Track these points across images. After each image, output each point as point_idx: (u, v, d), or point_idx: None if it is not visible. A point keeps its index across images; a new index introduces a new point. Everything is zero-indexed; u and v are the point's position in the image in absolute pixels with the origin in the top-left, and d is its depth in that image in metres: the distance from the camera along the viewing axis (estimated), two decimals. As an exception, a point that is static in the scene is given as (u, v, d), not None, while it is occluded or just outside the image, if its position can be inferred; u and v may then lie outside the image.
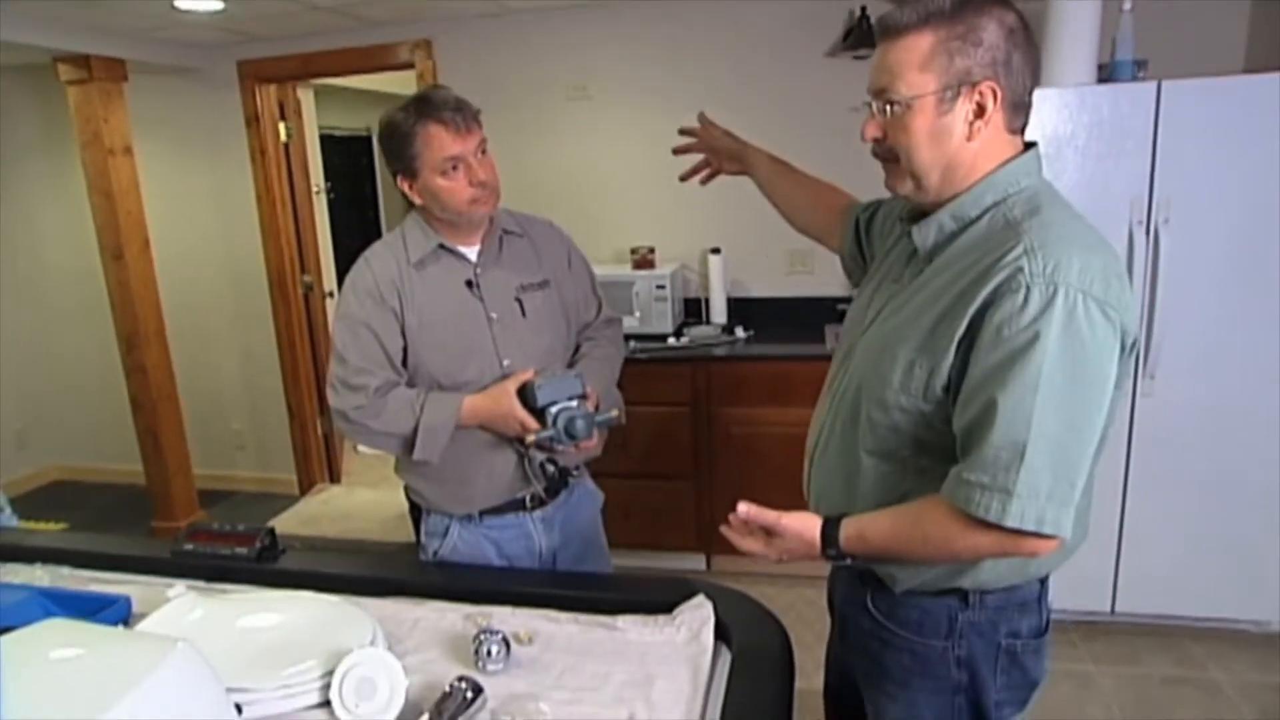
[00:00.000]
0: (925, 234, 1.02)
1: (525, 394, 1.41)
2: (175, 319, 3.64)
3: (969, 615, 1.05)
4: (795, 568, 3.10)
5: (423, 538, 1.60)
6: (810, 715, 1.37)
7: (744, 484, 2.87)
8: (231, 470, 4.13)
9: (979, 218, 0.98)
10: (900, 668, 1.10)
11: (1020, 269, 0.88)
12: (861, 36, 2.87)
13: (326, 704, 1.02)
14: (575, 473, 1.63)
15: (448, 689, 1.00)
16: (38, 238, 4.09)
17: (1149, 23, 2.45)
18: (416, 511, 1.62)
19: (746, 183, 3.48)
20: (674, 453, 2.89)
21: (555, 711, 1.01)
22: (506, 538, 1.56)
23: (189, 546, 1.47)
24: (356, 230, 5.48)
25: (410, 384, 1.49)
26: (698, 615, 1.19)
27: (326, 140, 4.50)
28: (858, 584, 1.13)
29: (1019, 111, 0.97)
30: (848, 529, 1.02)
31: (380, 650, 1.06)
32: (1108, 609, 2.51)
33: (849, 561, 1.04)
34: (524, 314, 1.52)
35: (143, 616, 1.18)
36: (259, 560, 1.43)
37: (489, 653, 1.09)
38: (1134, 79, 2.32)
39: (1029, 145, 1.01)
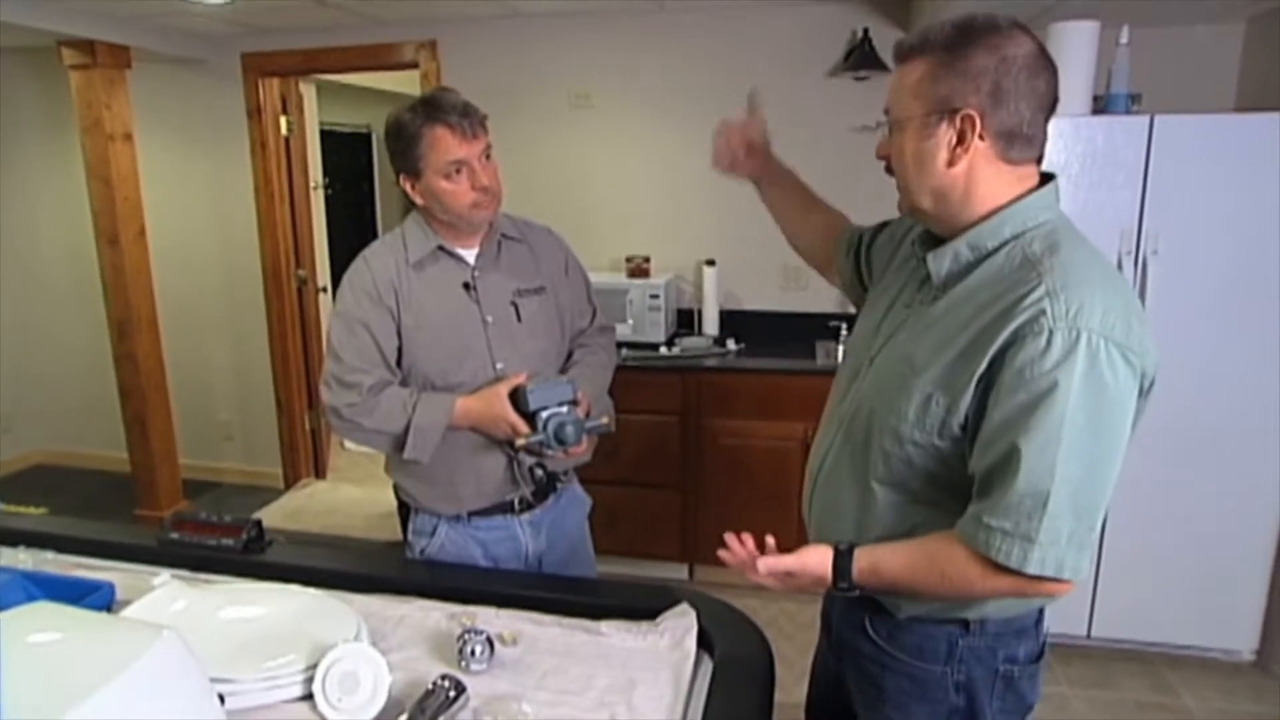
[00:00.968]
0: (941, 263, 1.01)
1: (517, 398, 1.42)
2: (168, 307, 3.63)
3: (969, 641, 1.05)
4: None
5: (410, 536, 1.60)
6: (788, 727, 1.38)
7: (730, 496, 2.89)
8: (217, 461, 4.11)
9: (996, 250, 0.98)
10: (898, 691, 1.10)
11: (1043, 311, 0.88)
12: (863, 58, 2.91)
13: (309, 697, 1.03)
14: (564, 478, 1.64)
15: (430, 687, 1.01)
16: (34, 220, 4.07)
17: (1144, 57, 2.50)
18: (405, 510, 1.63)
19: (743, 196, 3.49)
20: (662, 462, 2.90)
21: (537, 713, 1.02)
22: (493, 539, 1.57)
23: (175, 535, 1.47)
24: (352, 227, 5.48)
25: (404, 383, 1.50)
26: (681, 623, 1.20)
27: (326, 136, 4.50)
28: (856, 606, 1.13)
29: (1014, 142, 0.96)
30: (860, 561, 1.01)
31: (364, 646, 1.06)
32: (1084, 633, 2.54)
33: (858, 593, 1.03)
34: (519, 318, 1.53)
35: (126, 604, 1.19)
36: (245, 552, 1.43)
37: (473, 652, 1.10)
38: (1128, 112, 2.36)
39: (1047, 177, 1.02)
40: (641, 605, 1.25)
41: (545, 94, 3.34)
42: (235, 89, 3.62)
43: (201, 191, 3.79)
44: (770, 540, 1.09)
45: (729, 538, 1.12)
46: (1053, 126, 2.50)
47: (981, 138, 0.95)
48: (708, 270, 3.20)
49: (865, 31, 2.94)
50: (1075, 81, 2.34)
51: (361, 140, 5.72)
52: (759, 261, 3.28)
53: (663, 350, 3.00)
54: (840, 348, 2.99)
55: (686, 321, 3.34)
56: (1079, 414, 0.87)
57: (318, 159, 4.08)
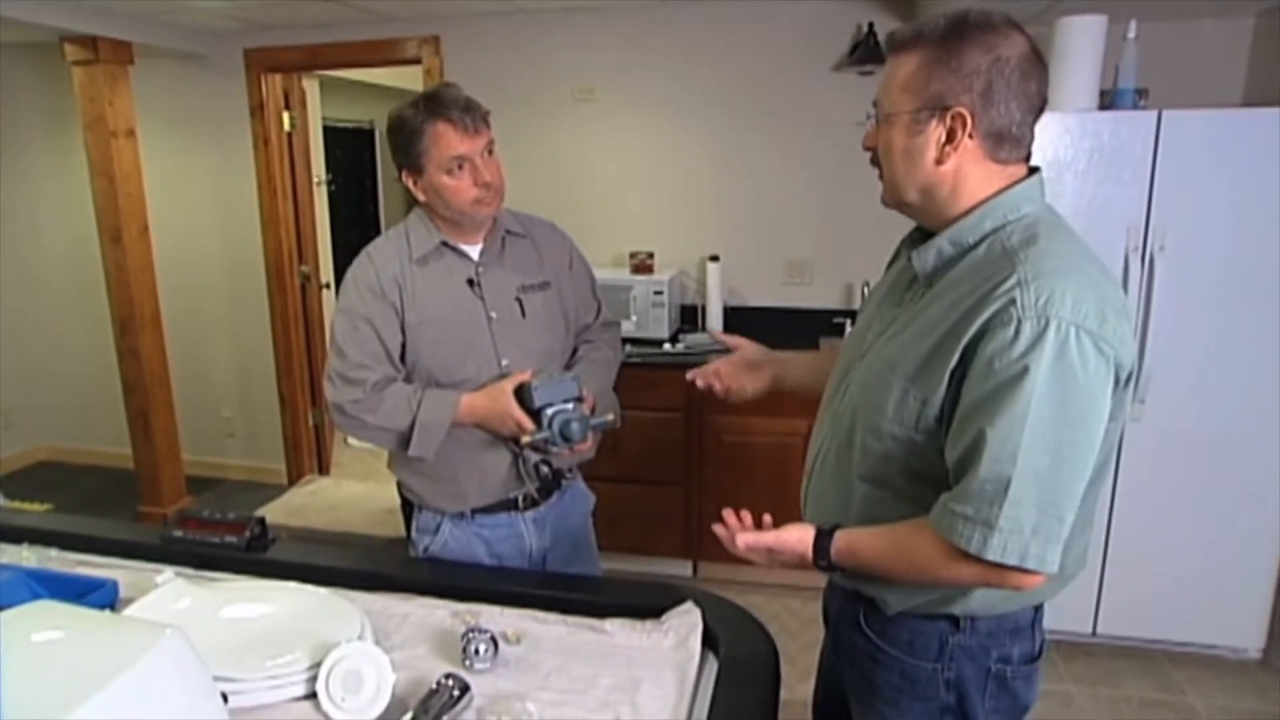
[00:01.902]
0: (925, 259, 1.02)
1: (522, 395, 1.41)
2: (171, 303, 3.62)
3: (960, 639, 1.05)
4: (783, 577, 3.10)
5: (414, 534, 1.60)
6: (793, 725, 1.38)
7: (734, 492, 2.88)
8: (220, 457, 4.11)
9: (977, 244, 0.98)
10: (890, 686, 1.10)
11: (1013, 300, 0.88)
12: (868, 52, 2.89)
13: (313, 696, 1.03)
14: (569, 475, 1.63)
15: (434, 686, 1.00)
16: (37, 216, 4.07)
17: (1152, 51, 2.48)
18: (408, 507, 1.62)
19: (747, 192, 3.49)
20: (665, 458, 2.90)
21: (541, 712, 1.01)
22: (497, 537, 1.57)
23: (179, 533, 1.47)
24: (355, 223, 5.47)
25: (408, 380, 1.50)
26: (686, 621, 1.19)
27: (329, 132, 4.50)
28: (852, 601, 1.13)
29: (1003, 142, 0.96)
30: (839, 541, 1.03)
31: (368, 644, 1.06)
32: (1089, 630, 2.53)
33: (838, 574, 1.05)
34: (524, 314, 1.52)
35: (130, 601, 1.18)
36: (248, 549, 1.43)
37: (476, 651, 1.09)
38: (1135, 107, 2.35)
39: (1033, 170, 1.01)
40: (646, 604, 1.25)
41: (548, 89, 3.32)
42: (238, 85, 3.61)
43: (204, 187, 3.79)
44: (767, 519, 1.12)
45: (727, 513, 1.14)
46: (1059, 121, 2.49)
47: (971, 136, 0.95)
48: (711, 266, 3.19)
49: (870, 26, 2.93)
50: (1082, 76, 2.32)
51: (364, 136, 5.71)
52: (762, 257, 3.27)
53: (666, 346, 2.99)
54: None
55: (690, 317, 3.33)
56: (1046, 402, 0.86)
57: (320, 154, 4.08)
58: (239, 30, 3.49)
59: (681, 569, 3.06)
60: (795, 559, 1.06)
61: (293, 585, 1.26)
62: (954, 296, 0.96)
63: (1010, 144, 0.97)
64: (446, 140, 1.38)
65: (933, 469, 0.98)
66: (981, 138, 0.95)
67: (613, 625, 1.21)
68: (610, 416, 1.47)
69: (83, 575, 1.30)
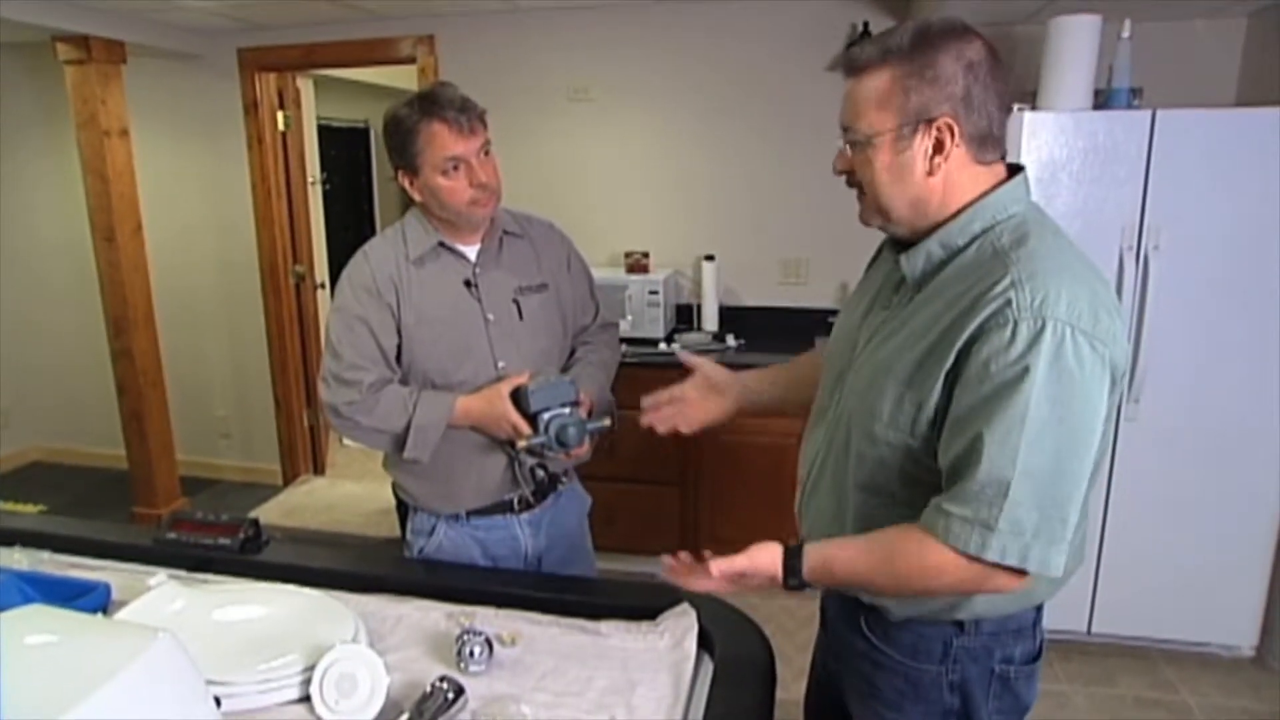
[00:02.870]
0: (914, 263, 1.01)
1: (518, 398, 1.40)
2: (165, 303, 3.61)
3: (964, 641, 1.04)
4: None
5: (409, 535, 1.60)
6: (789, 726, 1.38)
7: (730, 492, 2.89)
8: (215, 458, 4.10)
9: (967, 246, 0.97)
10: (893, 690, 1.09)
11: (1008, 302, 0.87)
12: (863, 52, 2.90)
13: (306, 699, 1.02)
14: (564, 478, 1.63)
15: (429, 689, 1.00)
16: (30, 216, 4.05)
17: (1145, 51, 2.49)
18: (403, 509, 1.62)
19: (743, 191, 3.49)
20: (661, 458, 2.89)
21: (536, 714, 1.01)
22: (493, 539, 1.56)
23: (172, 535, 1.46)
24: (351, 222, 5.46)
25: (403, 381, 1.49)
26: (681, 623, 1.19)
27: (324, 131, 4.48)
28: (852, 604, 1.12)
29: (985, 144, 0.96)
30: (811, 559, 0.99)
31: (362, 647, 1.05)
32: (1084, 629, 2.54)
33: (807, 590, 1.01)
34: (521, 316, 1.52)
35: (122, 604, 1.18)
36: (242, 551, 1.42)
37: (471, 653, 1.09)
38: (1129, 106, 2.35)
39: (1015, 170, 1.01)
40: (641, 605, 1.25)
41: (544, 88, 3.32)
42: (232, 84, 3.59)
43: (198, 187, 3.77)
44: (706, 554, 1.06)
45: (665, 558, 1.10)
46: (1054, 121, 2.49)
47: (958, 145, 0.95)
48: (707, 265, 3.19)
49: (865, 25, 2.93)
50: (1077, 76, 2.33)
51: (359, 135, 5.69)
52: (758, 256, 3.27)
53: (662, 346, 2.99)
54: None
55: (686, 317, 3.32)
56: (1044, 404, 0.86)
57: (315, 154, 4.06)
58: (233, 29, 3.47)
59: (677, 569, 3.06)
60: (766, 581, 1.01)
61: (287, 587, 1.26)
62: (946, 299, 0.95)
63: (991, 144, 0.97)
64: (442, 140, 1.38)
65: (928, 475, 0.97)
66: (966, 143, 0.95)
67: (608, 627, 1.21)
68: (607, 421, 1.46)
69: (75, 578, 1.30)
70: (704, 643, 1.17)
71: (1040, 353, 0.86)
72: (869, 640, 1.11)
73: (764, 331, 3.18)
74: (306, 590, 1.24)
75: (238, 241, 3.77)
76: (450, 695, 0.99)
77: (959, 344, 0.91)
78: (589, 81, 3.28)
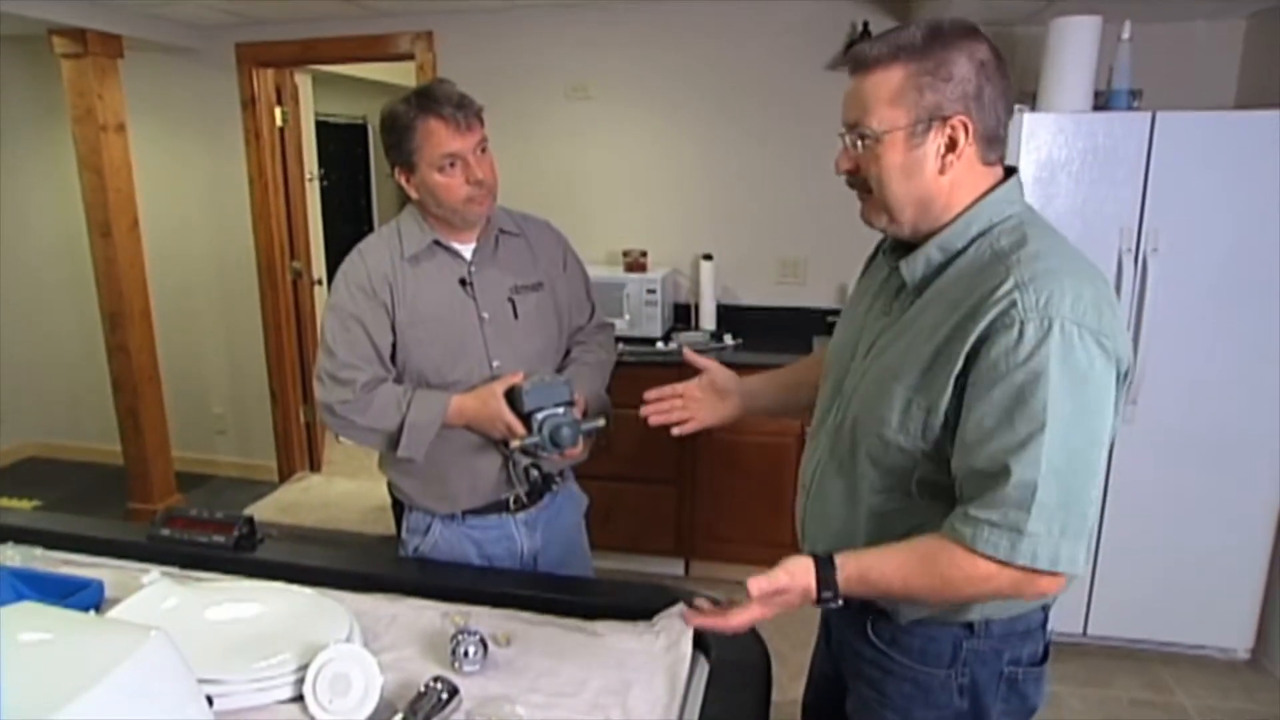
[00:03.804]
0: (914, 268, 1.01)
1: (513, 398, 1.40)
2: (161, 299, 3.60)
3: (974, 644, 1.04)
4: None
5: (404, 534, 1.59)
6: (785, 727, 1.37)
7: (726, 491, 2.88)
8: (211, 454, 4.09)
9: (965, 248, 0.97)
10: (901, 695, 1.08)
11: (1014, 303, 0.88)
12: (863, 51, 2.89)
13: (300, 699, 1.02)
14: (559, 479, 1.62)
15: (423, 689, 1.00)
16: (26, 212, 4.03)
17: (1144, 53, 2.48)
18: (398, 507, 1.61)
19: (741, 191, 3.48)
20: (657, 457, 2.89)
21: (530, 715, 1.01)
22: (488, 538, 1.56)
23: (166, 532, 1.45)
24: (348, 219, 5.45)
25: (398, 380, 1.48)
26: (677, 623, 1.18)
27: (322, 127, 4.47)
28: (858, 611, 1.10)
29: (993, 144, 0.97)
30: (846, 569, 0.95)
31: (356, 646, 1.05)
32: (1080, 630, 2.54)
33: (842, 603, 0.96)
34: (516, 315, 1.51)
35: (115, 601, 1.17)
36: (236, 549, 1.42)
37: (466, 653, 1.09)
38: (1129, 108, 2.35)
39: (1010, 171, 1.01)
40: (637, 605, 1.24)
41: (542, 86, 3.31)
42: (229, 79, 3.58)
43: (195, 183, 3.76)
44: (724, 600, 1.03)
45: (683, 609, 1.06)
46: (1054, 122, 2.48)
47: (971, 143, 0.95)
48: (705, 264, 3.18)
49: (864, 24, 2.92)
50: (1077, 77, 2.33)
51: (357, 131, 5.68)
52: (756, 256, 3.26)
53: (659, 345, 2.99)
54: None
55: (683, 316, 3.32)
56: (1061, 403, 0.86)
57: (313, 150, 4.04)
58: (230, 24, 3.46)
59: (673, 568, 3.06)
60: (800, 596, 0.96)
61: (280, 586, 1.25)
62: (948, 301, 0.95)
63: (998, 145, 0.98)
64: (438, 137, 1.37)
65: (941, 478, 0.97)
66: (977, 142, 0.95)
67: (603, 627, 1.20)
68: (601, 421, 1.45)
69: (68, 575, 1.29)
70: (700, 644, 1.17)
71: (1050, 353, 0.86)
72: (876, 646, 1.10)
73: (762, 331, 3.18)
74: (300, 589, 1.24)
75: (235, 238, 3.76)
76: (444, 695, 0.99)
77: (967, 347, 0.90)
78: (587, 80, 3.27)
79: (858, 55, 0.98)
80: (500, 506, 1.55)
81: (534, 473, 1.52)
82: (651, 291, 3.03)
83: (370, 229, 4.67)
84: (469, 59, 3.32)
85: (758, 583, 0.94)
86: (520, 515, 1.56)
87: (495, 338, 1.49)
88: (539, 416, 1.37)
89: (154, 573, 1.26)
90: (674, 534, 2.96)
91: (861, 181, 1.01)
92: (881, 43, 0.96)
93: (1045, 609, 1.09)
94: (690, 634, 1.16)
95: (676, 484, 2.93)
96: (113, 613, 1.13)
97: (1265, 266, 2.23)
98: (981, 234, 0.97)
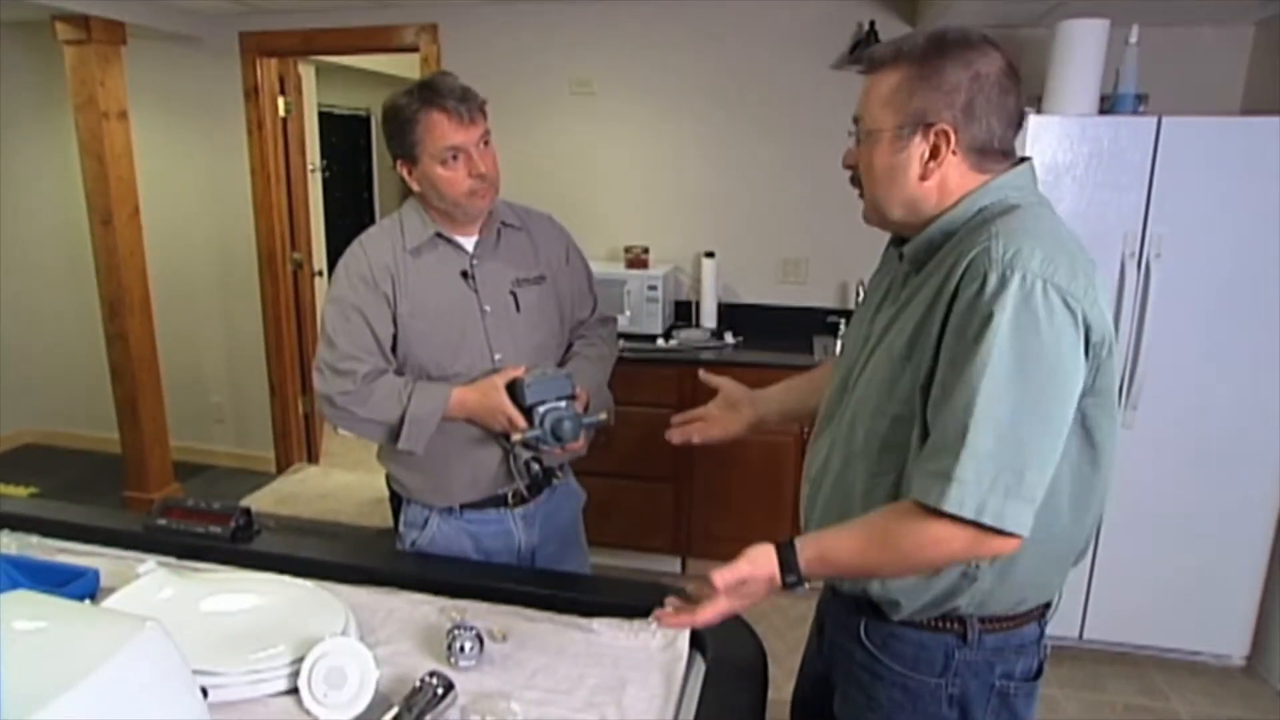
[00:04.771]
0: (916, 247, 1.02)
1: (514, 391, 1.39)
2: (160, 287, 3.59)
3: (966, 654, 1.03)
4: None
5: (401, 527, 1.58)
6: (779, 727, 1.37)
7: (724, 489, 2.88)
8: (209, 444, 4.08)
9: (962, 226, 0.98)
10: (891, 702, 1.08)
11: (984, 252, 0.89)
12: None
13: (294, 691, 1.01)
14: (559, 473, 1.62)
15: (418, 684, 0.99)
16: (26, 198, 4.02)
17: (1152, 57, 2.48)
18: (396, 500, 1.61)
19: (744, 189, 3.47)
20: (656, 455, 2.88)
21: (526, 712, 1.00)
22: (486, 533, 1.55)
23: (162, 522, 1.45)
24: (350, 210, 5.44)
25: (399, 372, 1.48)
26: (674, 622, 1.18)
27: (325, 118, 4.46)
28: (852, 612, 1.10)
29: (987, 156, 0.97)
30: (807, 551, 0.95)
31: (352, 640, 1.05)
32: (1076, 635, 2.54)
33: (806, 586, 0.97)
34: (518, 308, 1.51)
35: (111, 591, 1.17)
36: (233, 540, 1.42)
37: (462, 648, 1.08)
38: (1135, 112, 2.34)
39: (1021, 160, 1.01)
40: (634, 603, 1.24)
41: (546, 80, 3.30)
42: (233, 68, 3.57)
43: (197, 171, 3.75)
44: (690, 588, 1.04)
45: (655, 612, 1.06)
46: (1059, 125, 2.47)
47: (954, 152, 0.96)
48: (706, 262, 3.17)
49: (871, 24, 2.91)
50: (1083, 80, 2.32)
51: (360, 123, 5.67)
52: (758, 254, 3.26)
53: (660, 342, 2.98)
54: (839, 343, 2.97)
55: (684, 314, 3.32)
56: (1007, 353, 0.85)
57: (315, 141, 4.03)
58: (234, 13, 3.45)
59: (670, 565, 3.06)
60: (765, 584, 0.97)
61: (277, 578, 1.24)
62: (939, 271, 0.96)
63: (993, 157, 0.98)
64: (441, 130, 1.36)
65: None
66: (965, 153, 0.96)
67: (600, 624, 1.20)
68: (603, 415, 1.46)
69: (64, 564, 1.29)
70: (696, 642, 1.17)
71: (1006, 301, 0.85)
72: (868, 650, 1.09)
73: (762, 330, 3.18)
74: (297, 581, 1.23)
75: (235, 227, 3.75)
76: (439, 690, 0.98)
77: (944, 307, 0.92)
78: (591, 75, 3.26)
79: (870, 55, 1.01)
80: (499, 501, 1.54)
81: (534, 466, 1.51)
82: (653, 288, 3.03)
83: (372, 221, 4.65)
84: (473, 52, 3.31)
85: (721, 575, 0.95)
86: (518, 510, 1.56)
87: (497, 331, 1.48)
88: (540, 410, 1.37)
89: (150, 562, 1.25)
90: (671, 531, 2.96)
91: (858, 178, 1.04)
92: (889, 46, 0.99)
93: (1041, 622, 1.08)
94: (687, 633, 1.16)
95: (674, 481, 2.92)
96: (108, 602, 1.13)
97: (1269, 274, 2.23)
98: (980, 211, 0.97)
